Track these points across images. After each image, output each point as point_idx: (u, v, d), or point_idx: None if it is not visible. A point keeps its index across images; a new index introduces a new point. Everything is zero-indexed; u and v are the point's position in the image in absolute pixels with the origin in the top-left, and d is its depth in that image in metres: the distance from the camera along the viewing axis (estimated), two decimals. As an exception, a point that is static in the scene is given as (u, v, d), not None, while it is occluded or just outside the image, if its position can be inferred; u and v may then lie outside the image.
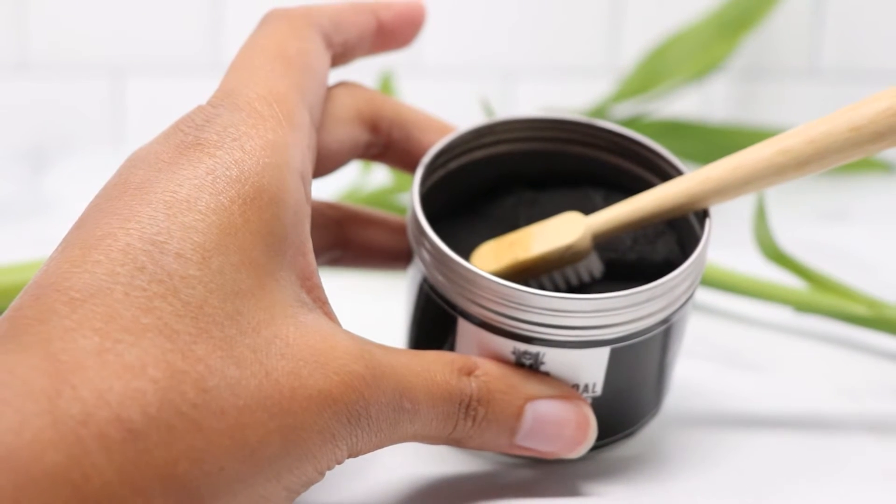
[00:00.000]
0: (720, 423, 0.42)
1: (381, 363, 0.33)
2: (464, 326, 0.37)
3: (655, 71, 0.67)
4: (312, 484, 0.32)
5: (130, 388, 0.28)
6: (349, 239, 0.42)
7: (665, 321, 0.37)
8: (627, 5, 0.73)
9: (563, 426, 0.36)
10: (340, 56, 0.39)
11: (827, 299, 0.49)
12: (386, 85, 0.66)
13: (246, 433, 0.29)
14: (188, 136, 0.33)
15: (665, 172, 0.40)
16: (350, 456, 0.32)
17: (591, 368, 0.37)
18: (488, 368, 0.35)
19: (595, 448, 0.38)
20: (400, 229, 0.42)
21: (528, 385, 0.36)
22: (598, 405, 0.37)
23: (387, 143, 0.40)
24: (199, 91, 0.76)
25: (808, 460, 0.40)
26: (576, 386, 0.37)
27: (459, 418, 0.35)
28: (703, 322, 0.51)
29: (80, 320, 0.28)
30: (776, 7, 0.65)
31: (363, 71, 0.48)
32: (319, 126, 0.37)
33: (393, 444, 0.34)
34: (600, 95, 0.71)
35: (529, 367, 0.36)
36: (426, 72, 0.73)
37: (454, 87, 0.74)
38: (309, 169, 0.35)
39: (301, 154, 0.34)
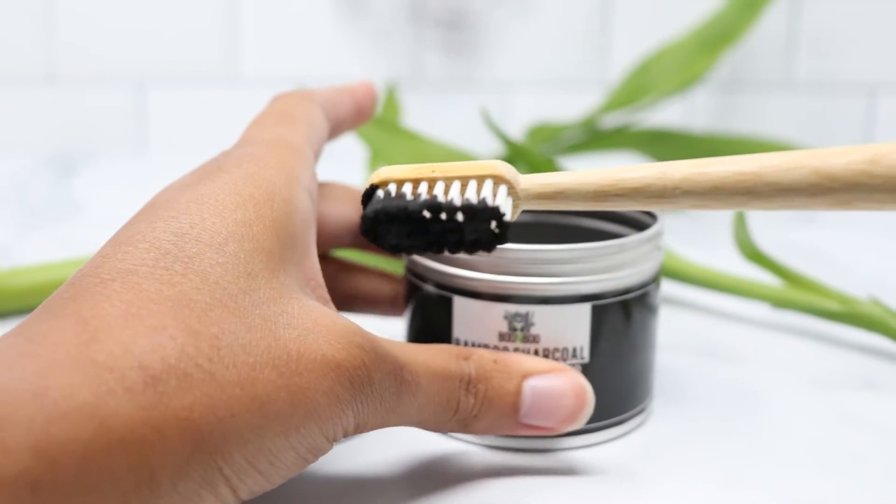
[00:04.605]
0: (701, 411, 0.42)
1: (379, 341, 0.34)
2: (459, 304, 0.38)
3: (641, 84, 0.67)
4: (321, 452, 0.32)
5: (152, 342, 0.29)
6: (337, 285, 0.44)
7: (636, 288, 0.38)
8: (615, 23, 0.74)
9: (561, 397, 0.37)
10: (334, 129, 0.42)
11: (801, 296, 0.49)
12: (391, 97, 0.66)
13: (256, 386, 0.30)
14: (210, 168, 0.35)
15: (634, 220, 0.42)
16: (358, 427, 0.33)
17: (576, 328, 0.38)
18: (483, 353, 0.36)
19: (592, 430, 0.38)
20: (386, 277, 0.44)
21: (521, 363, 0.37)
22: (587, 374, 0.38)
23: None
24: (216, 101, 0.76)
25: (784, 446, 0.40)
26: (565, 350, 0.38)
27: (461, 395, 0.35)
28: (686, 317, 0.51)
29: (109, 294, 0.30)
30: (754, 24, 0.66)
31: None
32: (320, 202, 0.40)
33: (400, 422, 0.34)
34: (590, 107, 0.71)
35: (521, 330, 0.38)
36: (427, 84, 0.73)
37: (454, 97, 0.75)
38: (315, 190, 0.37)
39: (308, 175, 0.37)
